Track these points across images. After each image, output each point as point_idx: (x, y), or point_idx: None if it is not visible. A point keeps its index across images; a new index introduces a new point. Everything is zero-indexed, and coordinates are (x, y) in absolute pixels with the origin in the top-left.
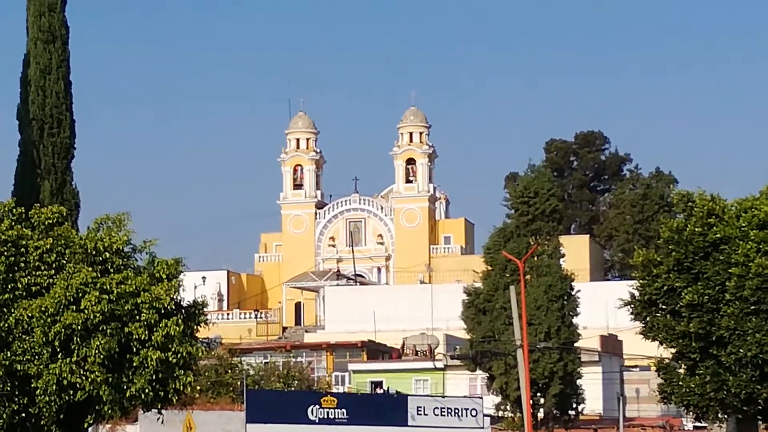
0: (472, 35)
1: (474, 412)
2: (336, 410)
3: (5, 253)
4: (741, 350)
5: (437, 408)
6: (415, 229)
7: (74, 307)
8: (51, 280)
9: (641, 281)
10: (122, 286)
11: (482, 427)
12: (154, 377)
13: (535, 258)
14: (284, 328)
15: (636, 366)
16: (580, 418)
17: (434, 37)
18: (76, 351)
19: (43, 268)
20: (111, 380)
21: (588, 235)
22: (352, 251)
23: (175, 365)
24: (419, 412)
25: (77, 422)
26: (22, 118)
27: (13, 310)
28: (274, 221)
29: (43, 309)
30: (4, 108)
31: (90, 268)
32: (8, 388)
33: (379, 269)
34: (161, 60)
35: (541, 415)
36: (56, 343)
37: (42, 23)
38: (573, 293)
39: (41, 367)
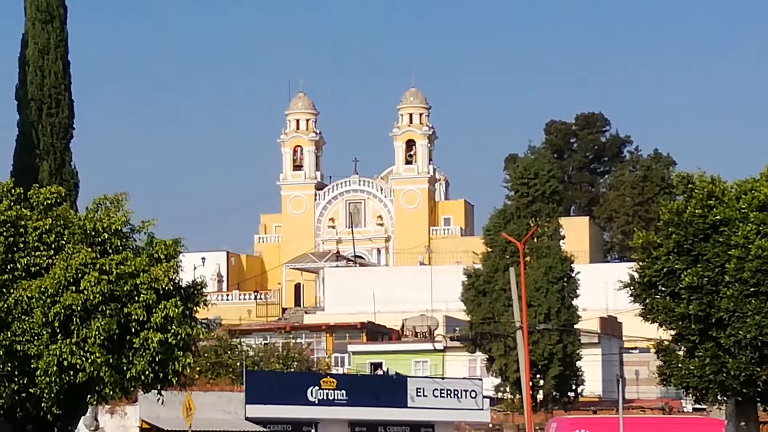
0: (472, 16)
1: (473, 394)
2: (335, 391)
3: (4, 234)
4: (740, 332)
5: (437, 389)
6: (415, 211)
7: (74, 288)
8: (50, 261)
9: (641, 263)
10: (121, 267)
11: (482, 409)
12: (154, 358)
13: (535, 239)
14: (284, 310)
15: (635, 348)
16: (580, 399)
17: (434, 18)
18: (75, 332)
19: (42, 248)
20: (111, 361)
21: (588, 217)
22: (352, 232)
23: (174, 346)
24: (419, 394)
25: (78, 403)
26: (21, 99)
27: (12, 291)
28: (274, 202)
29: (42, 290)
30: (3, 88)
31: (89, 249)
32: (8, 369)
33: (378, 250)
34: (160, 40)
35: (540, 396)
36: (56, 324)
37: (40, 3)
38: (573, 275)
39: (41, 347)
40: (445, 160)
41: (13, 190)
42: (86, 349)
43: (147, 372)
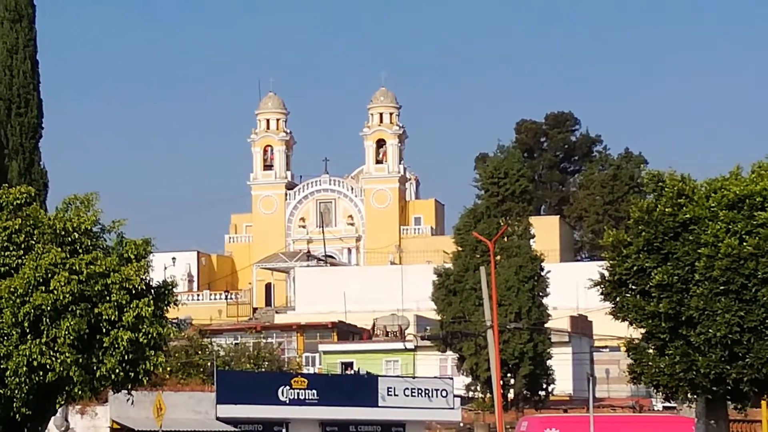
0: (442, 16)
1: (444, 393)
2: (306, 391)
3: None
4: (710, 330)
5: (408, 389)
6: (386, 210)
7: (43, 288)
8: (20, 261)
9: (611, 261)
10: (92, 267)
11: (453, 408)
12: (124, 358)
13: (506, 239)
14: (254, 309)
15: (606, 346)
16: (550, 398)
17: (405, 17)
18: (45, 332)
19: (11, 248)
20: (81, 361)
21: (558, 216)
22: (323, 232)
23: (145, 346)
24: (390, 393)
25: (48, 403)
26: None
27: None
28: (244, 202)
29: (12, 290)
30: None
31: (59, 249)
32: None
33: (349, 250)
34: (130, 39)
35: (511, 395)
36: (25, 324)
37: (8, 2)
38: (543, 274)
39: (11, 348)
40: (416, 159)
41: None
42: (56, 349)
43: (117, 371)
